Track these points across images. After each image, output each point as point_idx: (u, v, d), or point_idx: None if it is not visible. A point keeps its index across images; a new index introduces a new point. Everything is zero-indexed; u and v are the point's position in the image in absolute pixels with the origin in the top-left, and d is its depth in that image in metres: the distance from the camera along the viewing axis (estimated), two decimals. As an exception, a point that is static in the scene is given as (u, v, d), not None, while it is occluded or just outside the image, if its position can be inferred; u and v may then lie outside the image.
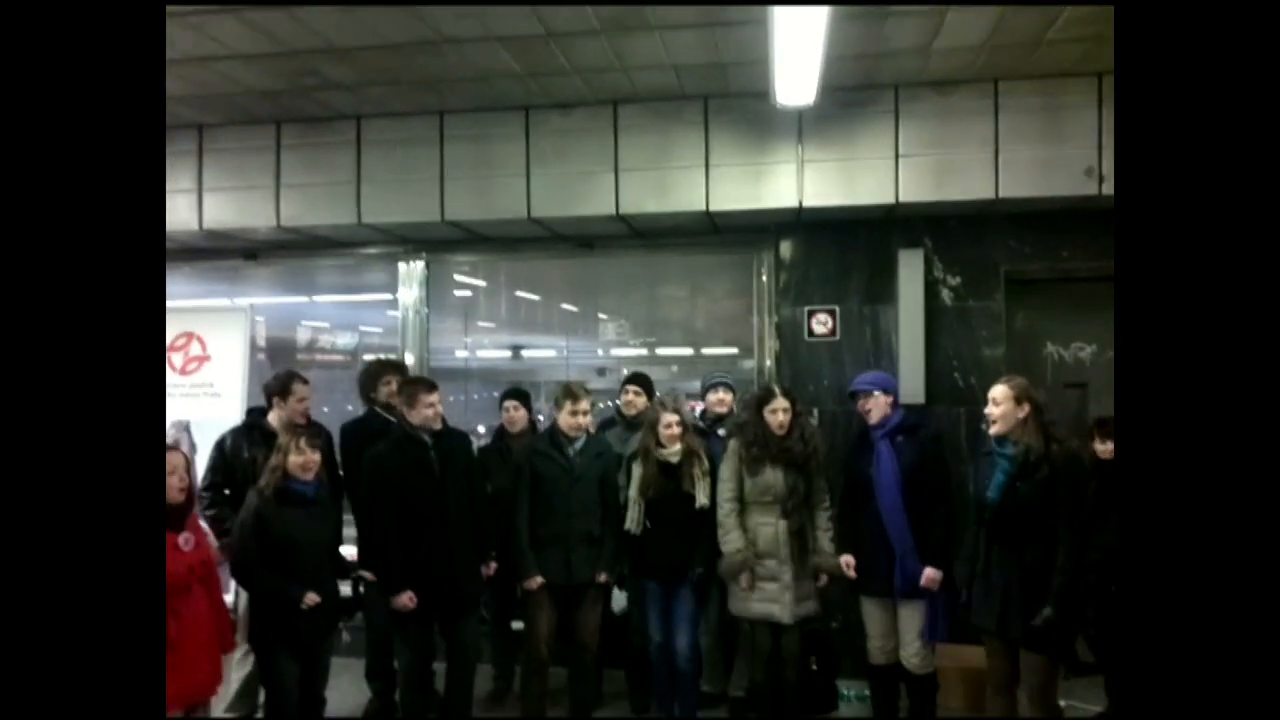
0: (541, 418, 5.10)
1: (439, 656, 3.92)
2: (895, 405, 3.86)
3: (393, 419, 4.29)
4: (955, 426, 4.76)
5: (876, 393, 3.80)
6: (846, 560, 3.79)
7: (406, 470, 3.73)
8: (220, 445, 4.13)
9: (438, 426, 3.84)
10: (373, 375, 4.44)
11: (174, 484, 3.13)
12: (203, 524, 3.77)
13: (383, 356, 5.10)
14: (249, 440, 4.08)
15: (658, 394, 4.54)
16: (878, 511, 3.71)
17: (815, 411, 4.78)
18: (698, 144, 4.65)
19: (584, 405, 4.04)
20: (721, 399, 4.35)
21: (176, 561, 3.11)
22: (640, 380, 4.58)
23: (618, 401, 4.73)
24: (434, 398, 3.79)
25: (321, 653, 3.64)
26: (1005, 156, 4.41)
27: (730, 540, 3.82)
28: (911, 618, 3.71)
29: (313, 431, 3.72)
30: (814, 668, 4.30)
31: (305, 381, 4.20)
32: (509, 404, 4.55)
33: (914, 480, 3.69)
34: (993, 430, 3.33)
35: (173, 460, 3.15)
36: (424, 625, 3.81)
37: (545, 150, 4.77)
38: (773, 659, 3.84)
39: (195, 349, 5.24)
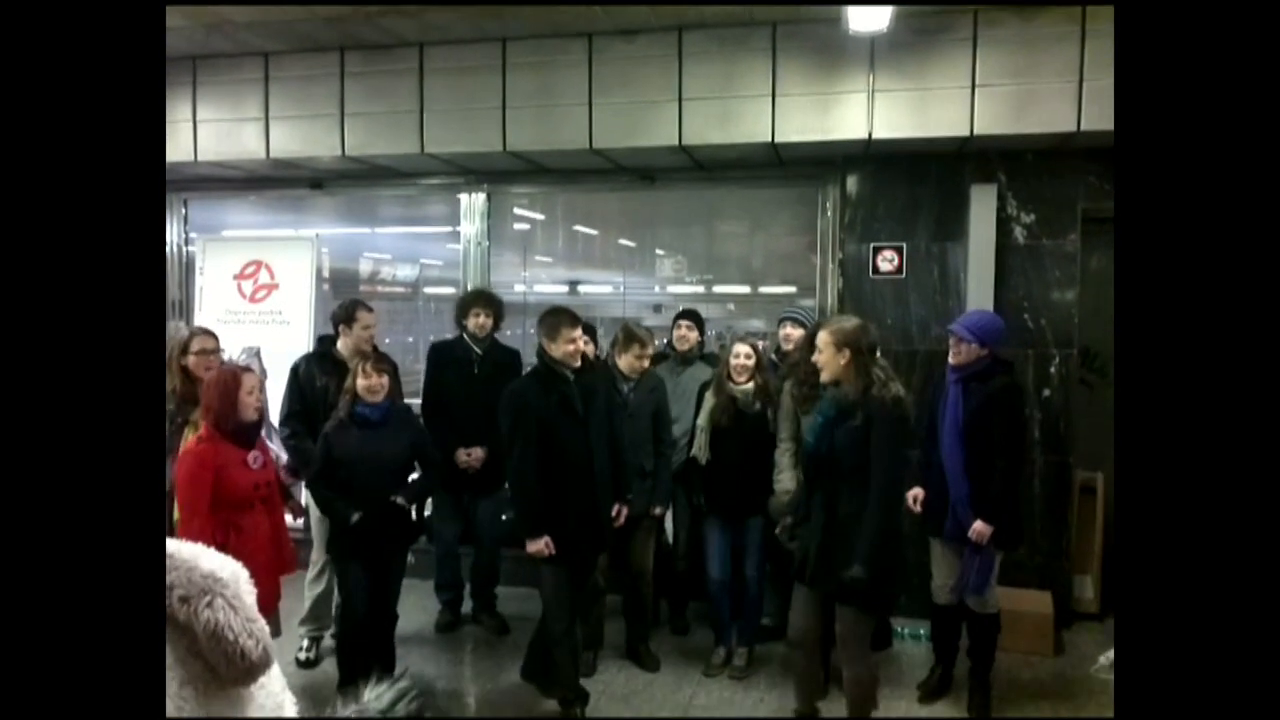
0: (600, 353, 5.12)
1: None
2: (991, 355, 3.66)
3: (478, 349, 4.44)
4: (1022, 369, 4.63)
5: (973, 342, 3.60)
6: (914, 494, 3.74)
7: (549, 408, 3.51)
8: (295, 371, 4.24)
9: (578, 364, 3.60)
10: (465, 305, 4.52)
11: (251, 403, 3.24)
12: (272, 446, 3.89)
13: (480, 287, 5.13)
14: (320, 368, 4.18)
15: (727, 331, 4.55)
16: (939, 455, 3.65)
17: (878, 352, 4.69)
18: (764, 73, 4.52)
19: (649, 351, 4.08)
20: (789, 334, 4.29)
21: (243, 478, 3.21)
22: (693, 315, 4.59)
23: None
24: (576, 332, 3.56)
25: (391, 568, 3.75)
26: (1090, 86, 4.19)
27: (781, 480, 3.84)
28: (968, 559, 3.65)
29: (380, 358, 3.79)
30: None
31: (370, 309, 4.27)
32: None
33: (976, 428, 3.57)
34: (821, 378, 3.22)
35: (250, 381, 3.26)
36: (562, 565, 3.62)
37: (608, 79, 4.67)
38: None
39: (264, 277, 5.35)
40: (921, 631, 4.32)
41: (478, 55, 4.78)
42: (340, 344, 4.23)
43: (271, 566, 3.35)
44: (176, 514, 3.44)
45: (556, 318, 3.57)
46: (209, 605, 0.95)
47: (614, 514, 3.76)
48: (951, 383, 3.68)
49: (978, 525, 3.53)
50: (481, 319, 4.44)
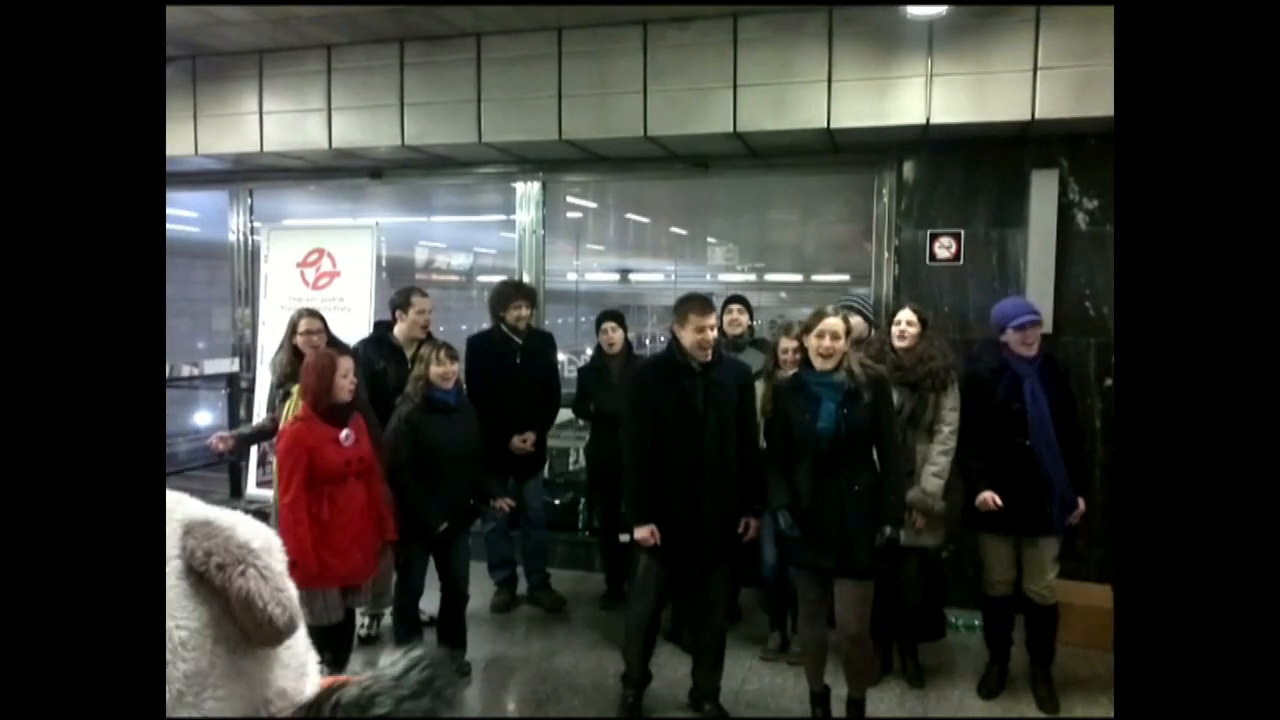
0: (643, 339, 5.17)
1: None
2: None
3: (518, 339, 4.50)
4: (1083, 358, 4.57)
5: (1039, 323, 3.61)
6: (990, 497, 3.58)
7: (667, 400, 3.37)
8: (354, 356, 4.35)
9: (705, 357, 3.38)
10: (504, 298, 4.58)
11: (345, 385, 3.39)
12: None
13: (516, 279, 5.22)
14: (378, 352, 4.29)
15: (779, 319, 4.54)
16: (1023, 447, 3.53)
17: (933, 338, 4.65)
18: (820, 58, 4.48)
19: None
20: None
21: (335, 455, 3.36)
22: (742, 299, 4.59)
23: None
24: (708, 320, 3.34)
25: (455, 548, 3.88)
26: (1157, 68, 4.08)
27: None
28: (1044, 551, 3.62)
29: (447, 345, 3.90)
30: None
31: (425, 295, 4.39)
32: (607, 325, 4.69)
33: (1058, 413, 3.58)
34: (826, 364, 3.23)
35: (345, 364, 3.42)
36: (665, 567, 3.46)
37: (663, 66, 4.69)
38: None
39: (326, 265, 5.48)
40: (976, 622, 4.27)
41: (534, 44, 4.83)
42: (396, 329, 4.35)
43: (368, 535, 3.50)
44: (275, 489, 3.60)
45: (688, 304, 3.40)
46: (242, 574, 1.01)
47: (741, 528, 3.51)
48: (1034, 374, 3.59)
49: (1081, 504, 3.62)
50: (522, 310, 4.54)
